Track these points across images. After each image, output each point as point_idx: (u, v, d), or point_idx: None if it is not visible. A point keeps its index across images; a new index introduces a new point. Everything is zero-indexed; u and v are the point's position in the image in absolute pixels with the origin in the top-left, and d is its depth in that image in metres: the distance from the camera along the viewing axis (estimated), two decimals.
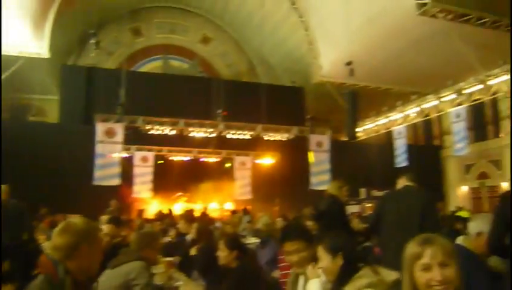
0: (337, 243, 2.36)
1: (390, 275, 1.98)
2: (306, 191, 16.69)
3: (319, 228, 4.91)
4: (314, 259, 2.54)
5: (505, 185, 19.62)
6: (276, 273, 4.47)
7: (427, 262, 1.55)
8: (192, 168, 16.91)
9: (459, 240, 3.15)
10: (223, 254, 3.66)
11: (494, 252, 2.94)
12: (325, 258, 2.33)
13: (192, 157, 17.02)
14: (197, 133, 16.79)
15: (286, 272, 3.51)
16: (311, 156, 17.13)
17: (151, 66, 23.50)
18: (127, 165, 15.52)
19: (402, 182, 4.47)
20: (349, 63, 16.46)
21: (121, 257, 3.57)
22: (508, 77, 14.73)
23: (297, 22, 19.33)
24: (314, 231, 4.63)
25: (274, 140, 17.79)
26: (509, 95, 18.01)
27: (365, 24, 15.81)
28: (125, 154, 15.58)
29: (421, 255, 1.57)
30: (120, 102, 15.26)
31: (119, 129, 15.12)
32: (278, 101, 18.19)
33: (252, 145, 17.52)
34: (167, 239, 6.91)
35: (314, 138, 17.47)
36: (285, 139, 17.83)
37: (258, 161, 17.63)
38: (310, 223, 5.50)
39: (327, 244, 2.36)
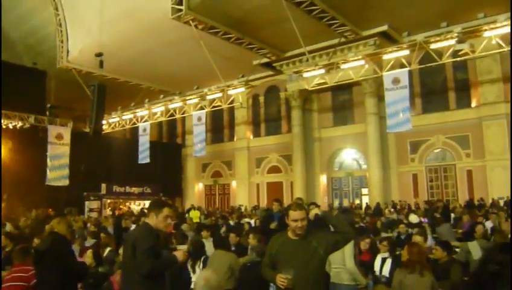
0: None
1: None
2: (42, 186, 15.42)
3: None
4: None
5: (234, 184, 21.92)
6: None
7: None
8: None
9: None
10: None
11: None
12: None
13: None
14: None
15: None
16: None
17: None
18: None
19: None
20: (99, 55, 15.82)
21: None
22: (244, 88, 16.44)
23: None
24: None
25: (6, 127, 15.74)
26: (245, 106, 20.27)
27: (120, 16, 15.45)
28: None
29: None
30: None
31: None
32: (14, 83, 16.14)
33: None
34: None
35: (53, 129, 16.23)
36: (19, 127, 15.97)
37: None
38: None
39: None
